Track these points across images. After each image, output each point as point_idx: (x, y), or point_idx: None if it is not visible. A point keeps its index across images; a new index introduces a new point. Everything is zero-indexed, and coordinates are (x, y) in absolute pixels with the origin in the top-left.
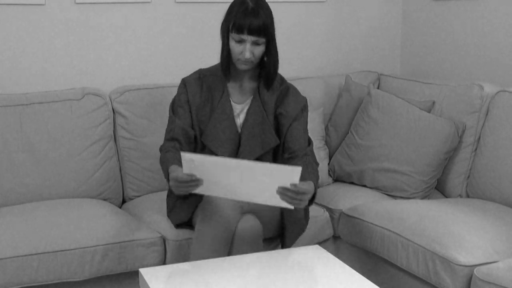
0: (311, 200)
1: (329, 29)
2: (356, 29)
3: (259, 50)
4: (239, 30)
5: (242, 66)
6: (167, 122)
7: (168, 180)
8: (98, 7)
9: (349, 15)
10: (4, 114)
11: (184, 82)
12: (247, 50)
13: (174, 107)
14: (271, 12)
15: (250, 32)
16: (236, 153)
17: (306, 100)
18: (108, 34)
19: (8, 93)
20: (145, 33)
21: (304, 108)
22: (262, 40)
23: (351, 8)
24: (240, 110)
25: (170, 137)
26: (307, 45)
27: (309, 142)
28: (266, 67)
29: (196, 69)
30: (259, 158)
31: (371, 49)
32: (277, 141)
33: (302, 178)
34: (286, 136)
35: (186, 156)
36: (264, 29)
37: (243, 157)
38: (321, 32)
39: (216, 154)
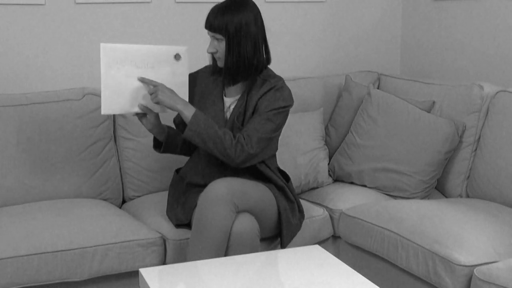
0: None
1: (329, 29)
2: (356, 29)
3: (220, 46)
4: (205, 25)
5: (217, 61)
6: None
7: (153, 145)
8: (98, 7)
9: (349, 15)
10: (4, 114)
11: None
12: (209, 44)
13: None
14: (247, 15)
15: (208, 27)
16: None
17: (287, 105)
18: (108, 34)
19: (8, 93)
20: (145, 33)
21: (277, 111)
22: (219, 36)
23: (351, 8)
24: (229, 104)
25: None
26: (307, 45)
27: (260, 139)
28: (224, 63)
29: (196, 69)
30: None
31: (371, 49)
32: None
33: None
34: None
35: (106, 46)
36: (219, 26)
37: None
38: (321, 32)
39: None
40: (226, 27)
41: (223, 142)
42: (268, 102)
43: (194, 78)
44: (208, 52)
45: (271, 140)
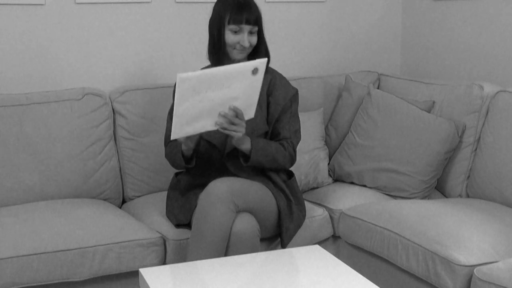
0: (246, 160)
1: (329, 29)
2: (356, 29)
3: (254, 38)
4: (237, 21)
5: (238, 56)
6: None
7: (184, 162)
8: (98, 7)
9: (349, 15)
10: (4, 114)
11: None
12: (245, 38)
13: (168, 113)
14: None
15: (247, 22)
16: (226, 139)
17: (297, 91)
18: (109, 34)
19: (8, 93)
20: (145, 33)
21: (293, 99)
22: (256, 29)
23: (351, 8)
24: None
25: (167, 143)
26: (307, 45)
27: (297, 137)
28: (259, 54)
29: (196, 69)
30: None
31: (371, 49)
32: (266, 128)
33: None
34: (274, 125)
35: (182, 75)
36: (258, 18)
37: (231, 142)
38: (321, 32)
39: (209, 142)
40: (260, 19)
41: (278, 161)
42: (284, 94)
43: None
44: (245, 46)
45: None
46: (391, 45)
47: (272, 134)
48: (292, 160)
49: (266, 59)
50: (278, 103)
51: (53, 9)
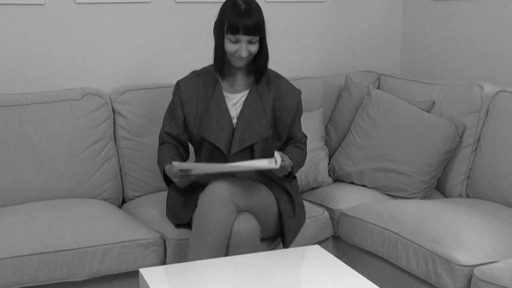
0: (289, 176)
1: (329, 29)
2: (356, 29)
3: (254, 48)
4: (235, 31)
5: (238, 63)
6: None
7: (164, 179)
8: (98, 7)
9: (349, 15)
10: (4, 114)
11: (178, 83)
12: (243, 49)
13: (166, 112)
14: (261, 10)
15: (245, 32)
16: (230, 142)
17: (300, 91)
18: (108, 34)
19: (8, 93)
20: (145, 33)
21: (300, 101)
22: (256, 38)
23: (351, 8)
24: (237, 100)
25: (161, 142)
26: (307, 45)
27: (304, 135)
28: (257, 63)
29: (196, 67)
30: (250, 146)
31: (371, 49)
32: (269, 132)
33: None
34: (290, 128)
35: (176, 165)
36: (257, 28)
37: (236, 145)
38: (321, 32)
39: (213, 144)
40: (260, 27)
41: (301, 164)
42: (291, 99)
43: (180, 84)
44: (242, 57)
45: None
46: (391, 45)
47: (287, 138)
48: (306, 156)
49: (274, 167)
50: (289, 109)
51: (53, 9)
